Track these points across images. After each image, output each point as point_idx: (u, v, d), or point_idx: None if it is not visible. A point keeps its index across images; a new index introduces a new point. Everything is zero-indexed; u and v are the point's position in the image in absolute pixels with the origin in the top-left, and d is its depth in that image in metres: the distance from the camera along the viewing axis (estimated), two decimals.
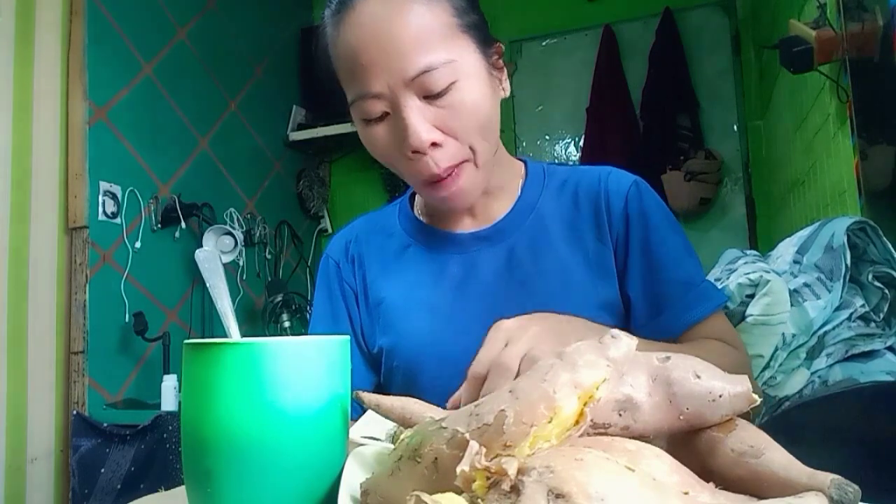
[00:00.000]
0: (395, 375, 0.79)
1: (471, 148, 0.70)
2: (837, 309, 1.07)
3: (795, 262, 1.14)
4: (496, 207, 0.81)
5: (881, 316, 1.07)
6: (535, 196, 0.81)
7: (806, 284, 1.10)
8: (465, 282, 0.78)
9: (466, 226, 0.82)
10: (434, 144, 0.67)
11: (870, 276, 1.08)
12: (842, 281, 1.06)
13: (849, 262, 1.07)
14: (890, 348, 1.04)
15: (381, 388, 0.84)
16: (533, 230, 0.79)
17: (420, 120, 0.66)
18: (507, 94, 0.75)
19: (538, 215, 0.80)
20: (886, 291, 1.07)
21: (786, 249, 1.18)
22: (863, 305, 1.07)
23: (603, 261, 0.77)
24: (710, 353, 0.69)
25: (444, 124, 0.67)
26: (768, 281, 1.07)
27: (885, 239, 1.08)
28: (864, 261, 1.10)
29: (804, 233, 1.18)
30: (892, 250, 1.07)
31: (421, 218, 0.85)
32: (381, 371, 0.83)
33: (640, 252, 0.76)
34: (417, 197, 0.87)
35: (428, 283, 0.80)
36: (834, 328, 1.06)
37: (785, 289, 1.07)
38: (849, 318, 1.06)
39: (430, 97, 0.67)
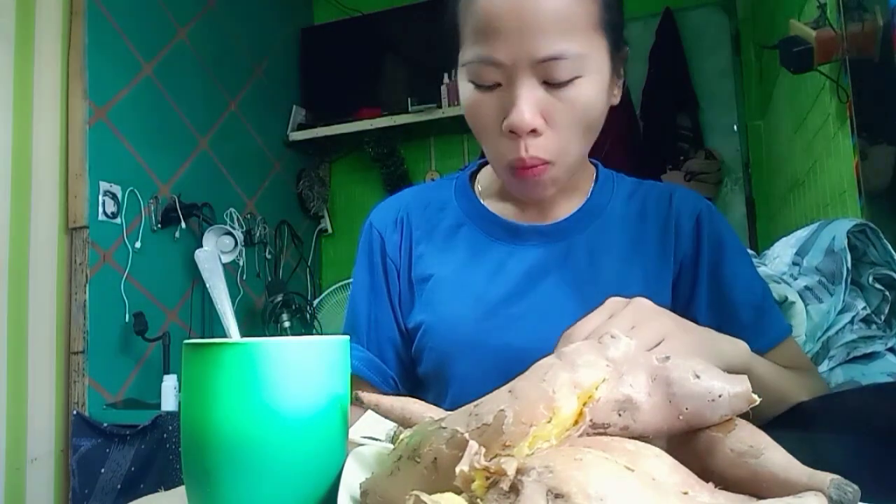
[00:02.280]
0: (427, 356, 0.77)
1: (565, 147, 0.67)
2: (840, 312, 1.07)
3: (795, 263, 1.14)
4: (563, 206, 0.79)
5: (882, 318, 1.07)
6: (603, 201, 0.79)
7: (807, 287, 1.10)
8: (516, 275, 0.76)
9: (529, 218, 0.79)
10: (533, 131, 0.65)
11: (870, 279, 1.08)
12: (843, 284, 1.06)
13: (850, 265, 1.07)
14: (890, 349, 1.04)
15: (410, 366, 0.82)
16: (595, 234, 0.77)
17: (531, 102, 0.64)
18: (618, 101, 0.73)
19: (603, 220, 0.78)
20: (887, 293, 1.07)
21: (783, 250, 1.18)
22: (864, 308, 1.07)
23: (661, 278, 0.75)
24: (810, 381, 0.69)
25: (552, 115, 0.65)
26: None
27: (885, 241, 1.08)
28: (864, 263, 1.10)
29: (802, 234, 1.18)
30: (893, 252, 1.07)
31: (481, 200, 0.82)
32: (411, 348, 0.80)
33: (709, 275, 0.74)
34: (479, 178, 0.85)
35: (478, 268, 0.77)
36: (837, 332, 1.06)
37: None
38: (851, 322, 1.06)
39: (549, 84, 0.64)
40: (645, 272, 0.75)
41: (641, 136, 2.91)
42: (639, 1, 2.97)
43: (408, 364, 0.82)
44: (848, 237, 1.08)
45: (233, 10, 2.80)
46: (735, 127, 2.90)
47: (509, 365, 0.69)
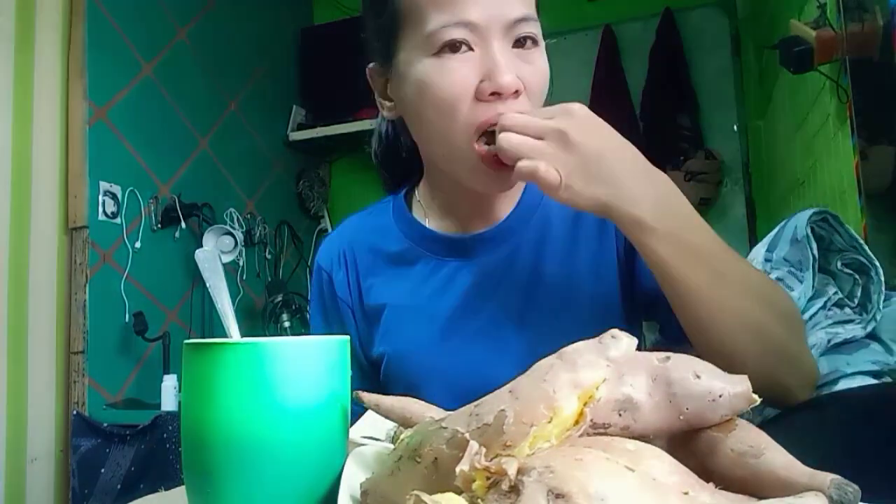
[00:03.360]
0: (395, 384, 0.77)
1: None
2: (811, 299, 1.09)
3: (766, 259, 1.16)
4: (502, 205, 0.78)
5: (855, 301, 1.08)
6: (538, 194, 0.78)
7: (779, 279, 1.12)
8: (466, 288, 0.76)
9: (472, 228, 0.78)
10: (515, 93, 0.64)
11: (839, 264, 1.10)
12: (811, 270, 1.08)
13: (815, 250, 1.08)
14: (872, 336, 1.05)
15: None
16: (537, 228, 0.77)
17: (511, 62, 0.64)
18: None
19: (542, 213, 0.77)
20: (857, 277, 1.09)
21: (758, 251, 1.20)
22: (836, 293, 1.08)
23: (605, 261, 0.75)
24: (777, 285, 0.68)
25: (524, 79, 0.65)
26: None
27: (847, 226, 1.10)
28: (831, 251, 1.12)
29: (772, 232, 1.21)
30: (856, 236, 1.09)
31: (422, 221, 0.80)
32: (378, 379, 0.80)
33: None
34: (418, 196, 0.83)
35: (428, 290, 0.77)
36: (811, 318, 1.08)
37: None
38: (824, 307, 1.08)
39: (518, 47, 0.65)
40: (591, 259, 0.74)
41: (641, 136, 2.92)
42: (639, 1, 2.97)
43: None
44: (812, 227, 1.09)
45: (233, 10, 2.80)
46: (735, 127, 2.90)
47: (474, 378, 0.69)
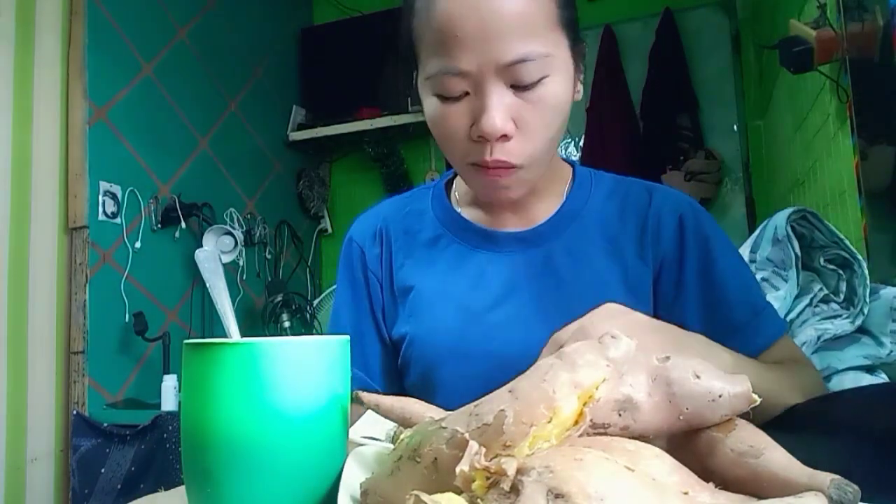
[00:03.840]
0: (413, 367, 0.77)
1: (532, 150, 0.67)
2: (797, 297, 1.09)
3: (751, 261, 1.17)
4: (540, 209, 0.78)
5: (841, 296, 1.10)
6: (580, 202, 0.78)
7: (764, 279, 1.12)
8: (497, 283, 0.76)
9: (506, 225, 0.78)
10: (503, 136, 0.64)
11: (822, 261, 1.12)
12: (795, 268, 1.09)
13: (797, 249, 1.10)
14: (861, 331, 1.06)
15: (396, 378, 0.82)
16: (574, 237, 0.76)
17: (501, 108, 0.63)
18: (580, 97, 0.73)
19: (581, 223, 0.77)
20: (841, 272, 1.10)
21: (741, 253, 1.22)
22: (821, 289, 1.10)
23: (640, 280, 0.74)
24: (802, 377, 0.68)
25: (522, 117, 0.65)
26: None
27: (826, 223, 1.11)
28: (813, 248, 1.13)
29: (754, 234, 1.21)
30: (836, 231, 1.11)
31: (457, 209, 0.81)
32: (397, 359, 0.81)
33: (698, 276, 0.73)
34: (455, 186, 0.84)
35: (460, 278, 0.77)
36: (798, 315, 1.08)
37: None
38: (810, 304, 1.09)
39: (517, 87, 0.64)
40: (624, 274, 0.74)
41: (641, 136, 2.92)
42: (639, 1, 2.97)
43: (394, 376, 0.82)
44: (792, 226, 1.11)
45: (233, 10, 2.80)
46: (735, 127, 2.90)
47: (493, 373, 0.69)
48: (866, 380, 1.02)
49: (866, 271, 1.07)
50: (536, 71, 0.63)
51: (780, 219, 1.13)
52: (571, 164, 0.83)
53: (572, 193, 0.79)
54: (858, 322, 1.04)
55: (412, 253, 0.81)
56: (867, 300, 1.05)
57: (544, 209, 0.78)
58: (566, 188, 0.80)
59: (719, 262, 0.73)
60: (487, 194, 0.72)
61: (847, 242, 1.10)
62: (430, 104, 0.68)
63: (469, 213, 0.81)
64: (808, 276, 1.11)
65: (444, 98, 0.66)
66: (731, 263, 0.74)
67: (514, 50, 0.62)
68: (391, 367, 0.82)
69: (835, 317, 1.06)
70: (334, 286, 3.07)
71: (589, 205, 0.78)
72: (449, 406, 0.48)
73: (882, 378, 1.04)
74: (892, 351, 1.02)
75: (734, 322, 0.71)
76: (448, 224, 0.81)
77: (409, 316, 0.79)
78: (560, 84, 0.66)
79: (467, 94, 0.65)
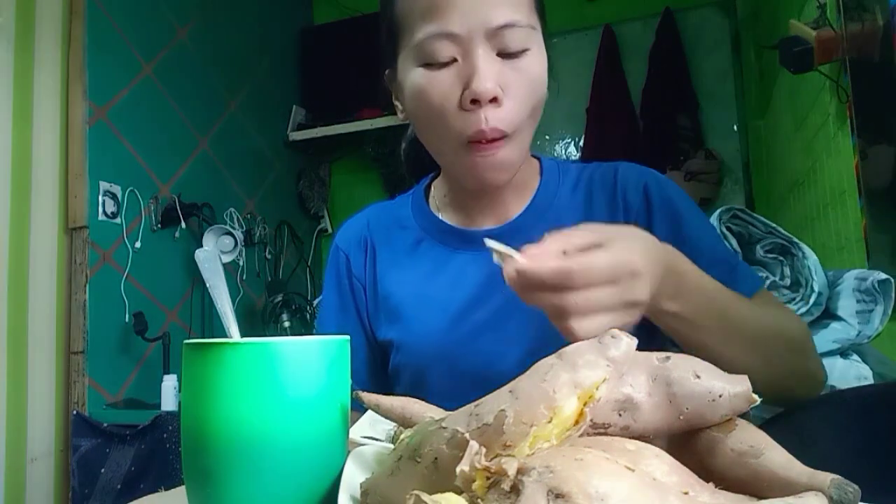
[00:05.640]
0: (403, 372, 0.79)
1: (520, 120, 0.67)
2: None
3: None
4: (513, 205, 0.79)
5: (788, 281, 1.13)
6: (551, 194, 0.79)
7: None
8: (477, 281, 0.77)
9: (482, 224, 0.80)
10: (495, 99, 0.65)
11: (762, 252, 1.15)
12: None
13: (736, 245, 1.13)
14: (829, 315, 1.08)
15: (387, 383, 0.83)
16: (548, 228, 0.77)
17: (491, 70, 0.64)
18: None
19: (555, 214, 0.78)
20: (783, 259, 1.14)
21: None
22: (768, 277, 1.13)
23: None
24: (784, 310, 0.69)
25: (508, 85, 0.66)
26: None
27: (757, 216, 1.15)
28: (751, 243, 1.17)
29: None
30: (769, 222, 1.15)
31: (436, 213, 0.83)
32: (385, 364, 0.82)
33: (669, 239, 0.73)
34: (433, 190, 0.86)
35: (440, 280, 0.78)
36: None
37: None
38: None
39: (503, 55, 0.66)
40: None
41: (641, 136, 2.92)
42: (639, 1, 2.97)
43: (381, 380, 0.83)
44: (728, 226, 1.15)
45: (233, 10, 2.80)
46: (735, 127, 2.90)
47: (481, 369, 0.69)
48: (839, 364, 1.04)
49: (806, 251, 1.10)
50: (521, 40, 0.66)
51: (713, 217, 1.17)
52: (538, 157, 0.84)
53: (542, 186, 0.80)
54: (813, 300, 1.07)
55: (395, 259, 0.83)
56: (815, 276, 1.08)
57: (517, 204, 0.79)
58: (536, 181, 0.81)
59: (688, 224, 0.74)
60: (478, 176, 0.71)
61: (781, 230, 1.13)
62: (415, 77, 0.68)
63: (447, 216, 0.82)
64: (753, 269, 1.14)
65: (431, 65, 0.67)
66: (699, 224, 0.75)
67: (503, 15, 0.64)
68: (378, 372, 0.84)
69: (787, 302, 1.09)
70: None
71: (559, 194, 0.80)
72: (443, 406, 0.48)
73: (856, 360, 1.05)
74: (860, 331, 1.05)
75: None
76: (428, 228, 0.82)
77: (394, 322, 0.80)
78: (540, 62, 0.68)
79: (455, 60, 0.66)
